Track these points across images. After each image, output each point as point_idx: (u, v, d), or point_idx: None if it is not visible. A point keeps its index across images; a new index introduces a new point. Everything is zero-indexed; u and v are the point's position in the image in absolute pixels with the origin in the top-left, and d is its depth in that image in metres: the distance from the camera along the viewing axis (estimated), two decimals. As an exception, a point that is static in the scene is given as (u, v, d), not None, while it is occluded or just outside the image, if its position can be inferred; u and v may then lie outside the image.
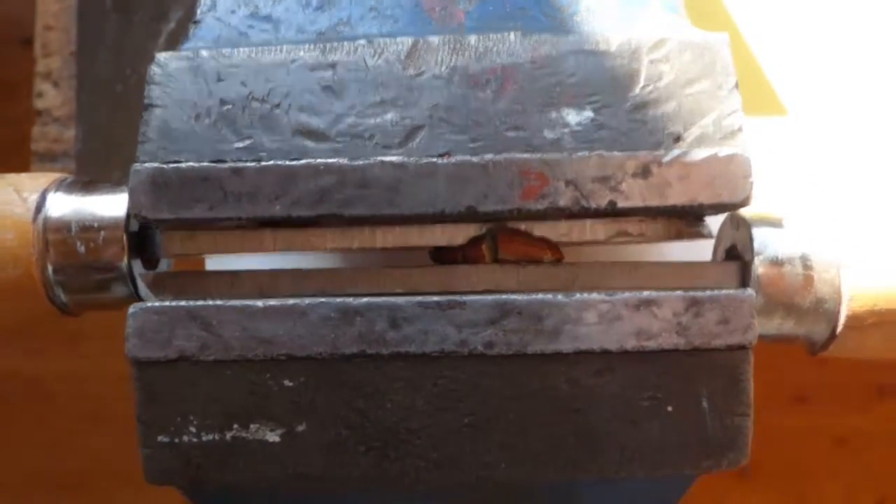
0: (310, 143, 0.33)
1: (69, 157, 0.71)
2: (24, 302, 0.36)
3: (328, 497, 0.35)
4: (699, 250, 0.39)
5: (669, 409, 0.33)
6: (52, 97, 0.74)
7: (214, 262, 0.42)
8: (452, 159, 0.33)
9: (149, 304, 0.33)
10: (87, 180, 0.37)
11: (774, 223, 0.35)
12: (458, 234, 0.35)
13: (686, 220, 0.35)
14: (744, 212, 0.36)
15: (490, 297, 0.33)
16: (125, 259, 0.35)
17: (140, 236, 0.36)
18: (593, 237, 0.35)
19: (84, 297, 0.36)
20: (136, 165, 0.33)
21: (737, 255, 0.36)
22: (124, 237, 0.35)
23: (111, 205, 0.36)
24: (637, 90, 0.34)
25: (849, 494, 1.36)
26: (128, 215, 0.35)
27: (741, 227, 0.36)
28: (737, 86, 0.34)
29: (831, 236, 0.34)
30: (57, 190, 0.36)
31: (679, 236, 0.35)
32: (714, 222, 0.37)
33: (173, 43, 0.73)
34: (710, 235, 0.36)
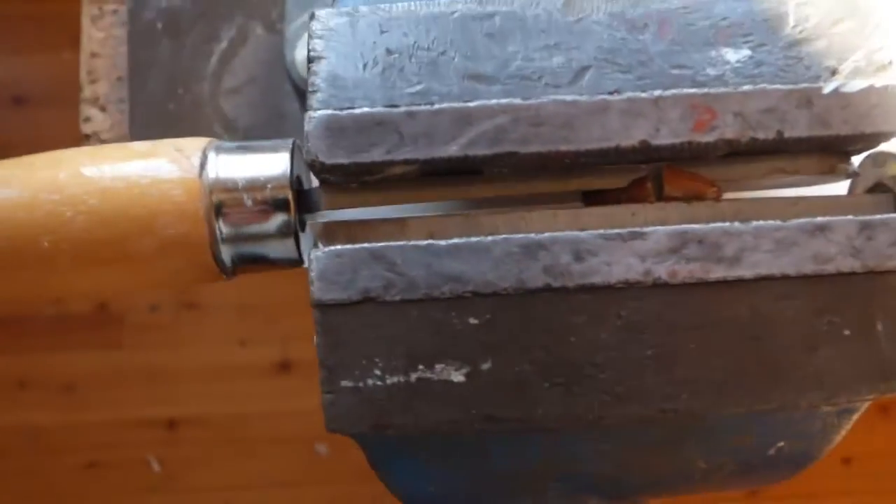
0: (480, 87, 0.34)
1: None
2: (188, 259, 0.35)
3: (507, 438, 0.35)
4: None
5: (846, 332, 0.34)
6: (100, 121, 0.74)
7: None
8: (623, 95, 0.34)
9: (331, 248, 0.33)
10: (238, 144, 0.38)
11: (922, 154, 0.36)
12: (620, 177, 0.36)
13: (837, 156, 0.36)
14: (887, 148, 0.37)
15: (670, 227, 0.34)
16: (293, 213, 0.35)
17: (299, 193, 0.36)
18: (750, 175, 0.36)
19: (248, 254, 0.36)
20: (310, 113, 0.34)
21: (884, 192, 0.37)
22: (289, 193, 0.35)
23: (272, 163, 0.36)
24: (788, 30, 0.35)
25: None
26: (291, 171, 0.35)
27: (889, 162, 0.37)
28: (882, 23, 0.35)
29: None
30: (217, 151, 0.36)
31: (831, 171, 0.36)
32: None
33: (225, 63, 0.74)
34: (856, 170, 0.37)
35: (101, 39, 0.75)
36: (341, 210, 0.36)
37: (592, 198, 0.37)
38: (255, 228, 0.35)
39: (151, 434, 1.44)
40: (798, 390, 0.34)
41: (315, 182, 0.37)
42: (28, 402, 1.46)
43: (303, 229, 0.38)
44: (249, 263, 0.37)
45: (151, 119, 0.72)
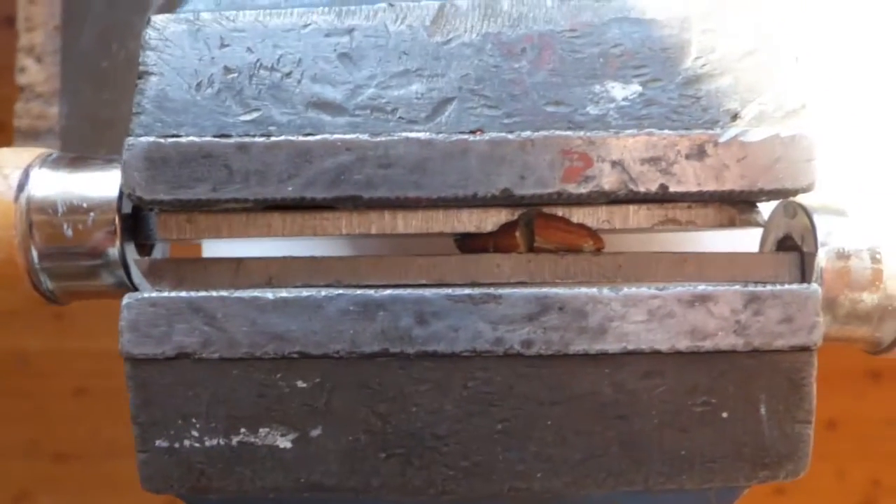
0: (325, 117, 0.30)
1: (54, 135, 0.68)
2: (7, 289, 0.32)
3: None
4: (744, 240, 0.36)
5: (724, 415, 0.30)
6: (35, 72, 0.70)
7: (213, 247, 0.38)
8: (486, 136, 0.30)
9: (145, 295, 0.30)
10: (74, 156, 0.34)
11: (837, 212, 0.32)
12: (488, 220, 0.32)
13: (739, 206, 0.32)
14: (801, 199, 0.33)
15: (528, 291, 0.30)
16: (118, 243, 0.32)
17: (133, 217, 0.33)
18: (637, 224, 0.32)
19: (72, 285, 0.33)
20: (130, 139, 0.30)
21: (792, 246, 0.33)
22: (116, 219, 0.31)
23: (102, 183, 0.32)
24: (688, 63, 0.31)
25: (841, 475, 1.35)
26: (120, 195, 0.32)
27: (798, 214, 0.33)
28: (799, 59, 0.31)
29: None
30: (42, 166, 0.32)
31: (731, 224, 0.32)
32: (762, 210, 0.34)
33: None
34: (763, 224, 0.32)
35: (40, -16, 0.70)
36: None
37: (463, 241, 0.33)
38: (76, 258, 0.32)
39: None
40: (665, 473, 0.30)
41: None
42: (17, 327, 1.46)
43: (149, 253, 0.34)
44: (79, 293, 0.33)
45: (83, 76, 0.68)
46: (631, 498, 0.32)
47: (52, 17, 0.70)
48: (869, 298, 0.31)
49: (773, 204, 0.35)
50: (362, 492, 0.30)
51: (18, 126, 0.68)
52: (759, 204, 0.33)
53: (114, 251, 0.32)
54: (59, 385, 1.47)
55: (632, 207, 0.32)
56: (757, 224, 0.32)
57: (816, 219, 0.32)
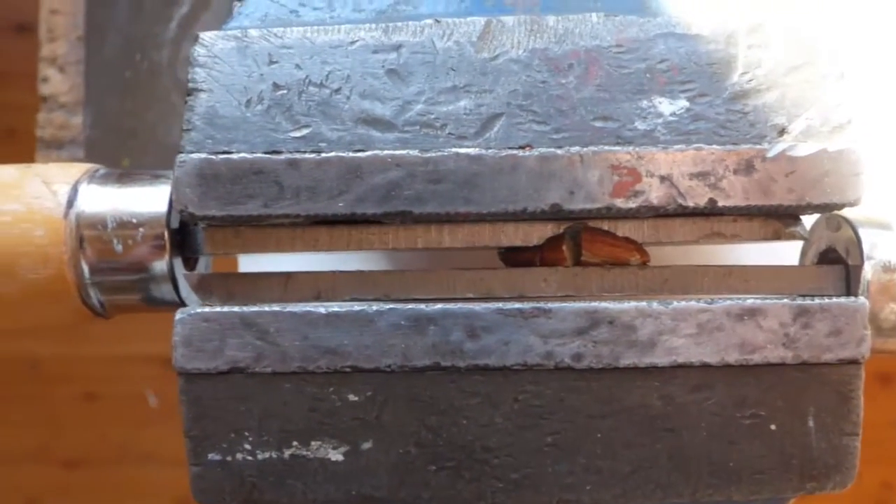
0: (375, 133, 0.30)
1: (77, 145, 0.68)
2: (56, 304, 0.32)
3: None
4: (785, 252, 0.36)
5: (773, 427, 0.30)
6: (57, 82, 0.71)
7: (250, 261, 0.39)
8: (535, 151, 0.30)
9: (198, 310, 0.30)
10: (122, 171, 0.34)
11: (881, 225, 0.32)
12: (534, 234, 0.32)
13: (784, 220, 0.32)
14: (843, 212, 0.33)
15: (578, 305, 0.30)
16: (167, 258, 0.32)
17: (181, 232, 0.33)
18: (682, 238, 0.32)
19: (121, 299, 0.33)
20: (182, 156, 0.30)
21: (835, 259, 0.33)
22: (166, 234, 0.32)
23: (151, 198, 0.32)
24: (735, 78, 0.31)
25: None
26: (169, 210, 0.32)
27: (842, 227, 0.33)
28: (844, 74, 0.31)
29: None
30: (90, 182, 0.33)
31: (776, 237, 0.32)
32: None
33: (186, 28, 0.70)
34: (806, 236, 0.33)
35: (62, -6, 0.71)
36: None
37: (508, 254, 0.33)
38: (126, 272, 0.32)
39: (150, 369, 1.44)
40: (713, 485, 0.31)
41: None
42: (27, 332, 1.46)
43: (193, 267, 0.35)
44: (128, 307, 0.33)
45: (107, 86, 0.68)
46: None
47: (76, 28, 0.71)
48: (915, 311, 0.31)
49: (813, 216, 0.35)
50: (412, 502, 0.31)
51: (41, 136, 0.68)
52: (802, 217, 0.33)
53: (162, 265, 0.32)
54: (69, 390, 1.47)
55: (678, 221, 0.32)
56: (801, 237, 0.32)
57: (861, 232, 0.32)
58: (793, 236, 0.32)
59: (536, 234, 0.32)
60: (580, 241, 0.32)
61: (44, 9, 0.71)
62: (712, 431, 0.30)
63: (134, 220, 0.32)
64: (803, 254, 0.36)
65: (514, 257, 0.33)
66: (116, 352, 1.45)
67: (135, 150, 0.66)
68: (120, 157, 0.66)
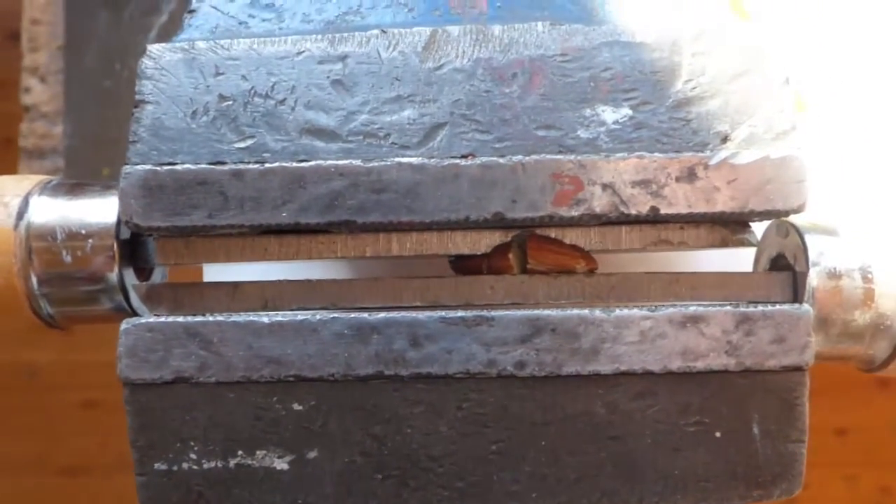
0: (319, 143, 0.30)
1: (58, 154, 0.68)
2: (6, 315, 0.32)
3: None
4: (737, 259, 0.36)
5: (717, 434, 0.30)
6: (39, 92, 0.71)
7: (214, 271, 0.39)
8: (477, 160, 0.30)
9: (142, 321, 0.30)
10: (74, 182, 0.34)
11: (828, 231, 0.32)
12: (481, 242, 0.32)
13: (731, 227, 0.32)
14: (793, 218, 0.33)
15: (521, 313, 0.30)
16: (116, 269, 0.32)
17: (132, 243, 0.33)
18: (629, 245, 0.32)
19: (72, 310, 0.33)
20: (127, 168, 0.30)
21: (784, 266, 0.33)
22: (115, 245, 0.32)
23: (100, 209, 0.32)
24: (679, 85, 0.31)
25: (851, 482, 1.34)
26: (118, 221, 0.32)
27: (790, 234, 0.33)
28: (788, 81, 0.31)
29: (893, 245, 0.31)
30: (41, 193, 0.33)
31: (724, 244, 0.32)
32: (756, 229, 0.34)
33: (165, 37, 0.70)
34: (756, 243, 0.33)
35: (43, 6, 0.71)
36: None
37: (458, 262, 0.33)
38: (76, 284, 0.32)
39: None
40: (658, 493, 0.31)
41: None
42: (25, 340, 1.46)
43: (148, 277, 0.35)
44: (79, 317, 0.33)
45: (87, 95, 0.68)
46: None
47: (56, 38, 0.71)
48: (861, 317, 0.31)
49: (767, 223, 0.35)
50: None
51: (24, 146, 0.68)
52: (752, 223, 0.33)
53: (112, 276, 0.32)
54: (67, 398, 1.47)
55: (624, 229, 0.32)
56: (749, 244, 0.32)
57: (808, 238, 0.32)
58: (741, 243, 0.32)
59: (484, 241, 0.32)
60: (526, 249, 0.32)
61: (25, 19, 0.72)
62: (657, 439, 0.30)
63: (83, 232, 0.32)
64: (756, 260, 0.36)
65: (463, 265, 0.33)
66: (111, 357, 1.45)
67: (115, 159, 0.66)
68: (100, 167, 0.66)
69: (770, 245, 0.34)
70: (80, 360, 1.45)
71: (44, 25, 0.71)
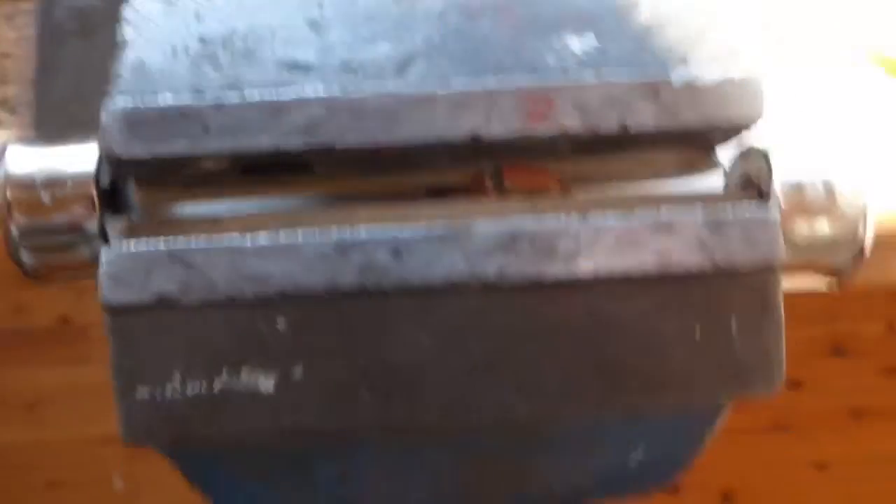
0: (297, 76, 0.31)
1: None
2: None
3: (327, 450, 0.32)
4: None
5: (697, 334, 0.31)
6: (9, 124, 0.71)
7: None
8: (451, 86, 0.31)
9: (124, 248, 0.30)
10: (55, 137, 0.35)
11: (790, 148, 0.33)
12: (457, 173, 0.33)
13: (698, 150, 0.33)
14: (756, 142, 0.34)
15: (500, 222, 0.31)
16: (97, 216, 0.32)
17: (112, 192, 0.33)
18: (601, 171, 0.33)
19: (52, 257, 0.33)
20: (109, 102, 0.31)
21: (752, 186, 0.34)
22: (94, 191, 0.32)
23: (79, 156, 0.33)
24: (640, 14, 0.32)
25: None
26: (98, 167, 0.32)
27: (753, 156, 0.34)
28: (740, 7, 0.33)
29: (852, 159, 0.33)
30: (20, 144, 0.33)
31: (691, 166, 0.33)
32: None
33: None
34: (721, 164, 0.34)
35: (14, 40, 0.72)
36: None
37: (436, 196, 0.34)
38: (56, 232, 0.32)
39: (116, 450, 1.40)
40: (644, 394, 0.31)
41: None
42: (-13, 419, 1.43)
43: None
44: (60, 266, 0.34)
45: (58, 123, 0.69)
46: (617, 428, 0.32)
47: (27, 70, 0.72)
48: (825, 227, 0.32)
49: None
50: (346, 430, 0.31)
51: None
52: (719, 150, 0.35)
53: (92, 224, 0.32)
54: (31, 478, 1.43)
55: (595, 159, 0.33)
56: (714, 165, 0.34)
57: (771, 157, 0.33)
58: (709, 164, 0.34)
59: (460, 173, 0.33)
60: (502, 173, 0.33)
61: (-6, 53, 0.73)
62: (639, 341, 0.31)
63: (62, 178, 0.32)
64: (725, 188, 0.37)
65: (441, 195, 0.34)
66: (79, 435, 1.42)
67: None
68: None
69: (736, 169, 0.36)
70: (44, 438, 1.42)
71: (14, 59, 0.72)
